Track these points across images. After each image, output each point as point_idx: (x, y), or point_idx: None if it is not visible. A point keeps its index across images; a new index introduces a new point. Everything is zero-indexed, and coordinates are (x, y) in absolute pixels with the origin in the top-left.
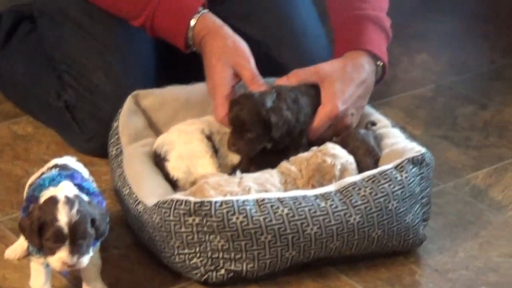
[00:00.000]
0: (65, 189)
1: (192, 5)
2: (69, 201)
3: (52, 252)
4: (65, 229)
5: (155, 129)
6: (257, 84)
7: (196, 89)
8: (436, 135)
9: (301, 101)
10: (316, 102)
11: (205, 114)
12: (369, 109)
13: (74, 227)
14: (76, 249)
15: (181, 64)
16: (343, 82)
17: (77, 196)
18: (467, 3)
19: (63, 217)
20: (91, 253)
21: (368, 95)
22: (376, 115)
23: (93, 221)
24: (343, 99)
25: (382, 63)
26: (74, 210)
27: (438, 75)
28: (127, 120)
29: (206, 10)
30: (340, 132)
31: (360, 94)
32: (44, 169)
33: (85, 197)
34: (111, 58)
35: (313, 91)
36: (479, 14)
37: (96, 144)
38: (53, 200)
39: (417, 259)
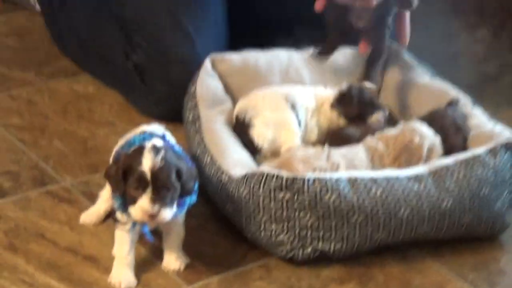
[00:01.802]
0: (154, 141)
1: None
2: (155, 149)
3: (134, 201)
4: (148, 174)
5: (232, 95)
6: None
7: (277, 55)
8: (503, 117)
9: None
10: None
11: (285, 83)
12: (446, 85)
13: (156, 173)
14: (158, 198)
15: (251, 31)
16: None
17: (165, 147)
18: None
19: (147, 162)
20: (174, 209)
21: None
22: (456, 92)
23: (178, 173)
24: None
25: None
26: (159, 157)
27: (501, 52)
28: (204, 84)
29: None
30: None
31: None
32: (131, 135)
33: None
34: (184, 19)
35: None
36: None
37: (166, 107)
38: (140, 148)
39: (502, 246)
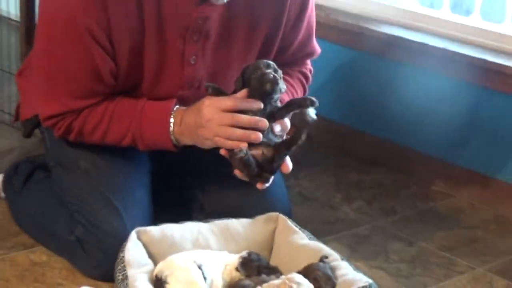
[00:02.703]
0: None
1: (166, 108)
2: None
3: None
4: None
5: (153, 259)
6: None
7: (188, 226)
8: (373, 266)
9: None
10: None
11: (196, 248)
12: (320, 245)
13: None
14: None
15: (169, 207)
16: None
17: None
18: (391, 160)
19: None
20: None
21: None
22: (327, 250)
23: None
24: None
25: None
26: None
27: (372, 217)
28: (131, 252)
29: (177, 106)
30: None
31: None
32: None
33: None
34: (114, 201)
35: None
36: (401, 168)
37: (102, 270)
38: None
39: None
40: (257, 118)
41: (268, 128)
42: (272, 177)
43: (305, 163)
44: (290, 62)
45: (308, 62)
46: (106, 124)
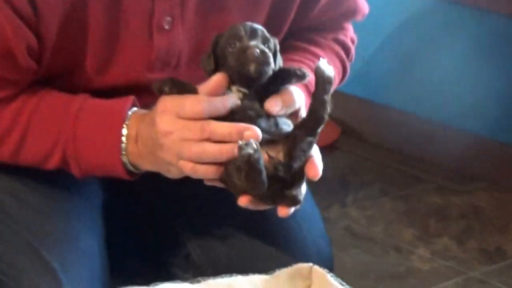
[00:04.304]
0: None
1: (116, 110)
2: None
3: None
4: None
5: None
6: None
7: None
8: None
9: None
10: None
11: None
12: None
13: None
14: None
15: (135, 259)
16: None
17: None
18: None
19: None
20: None
21: None
22: None
23: None
24: None
25: None
26: None
27: (466, 264)
28: None
29: (135, 109)
30: None
31: None
32: None
33: None
34: (46, 253)
35: None
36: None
37: None
38: None
39: None
40: (242, 125)
41: (265, 118)
42: (301, 193)
43: (354, 181)
44: (320, 26)
45: (349, 26)
46: (21, 132)
